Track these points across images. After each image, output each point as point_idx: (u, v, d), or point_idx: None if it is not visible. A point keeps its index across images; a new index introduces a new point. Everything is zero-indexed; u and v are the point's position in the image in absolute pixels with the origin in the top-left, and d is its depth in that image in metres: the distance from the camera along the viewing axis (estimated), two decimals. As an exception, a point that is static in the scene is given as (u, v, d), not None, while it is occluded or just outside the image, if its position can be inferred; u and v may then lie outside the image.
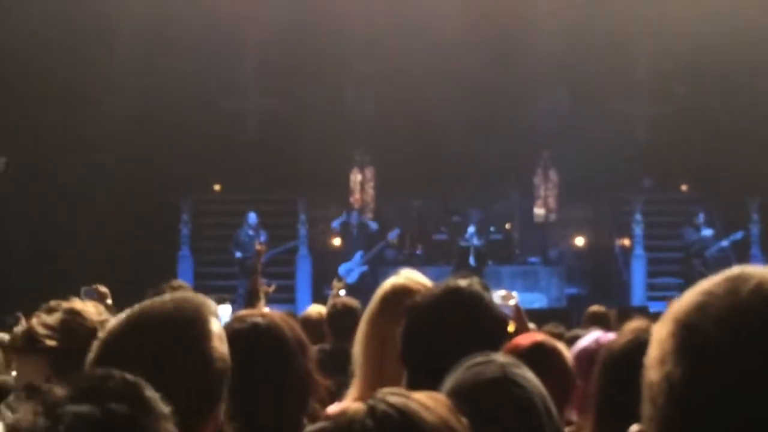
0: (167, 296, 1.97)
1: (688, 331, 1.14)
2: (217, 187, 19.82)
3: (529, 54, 18.42)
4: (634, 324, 2.66)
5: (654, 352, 1.18)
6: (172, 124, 17.79)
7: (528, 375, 2.13)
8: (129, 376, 1.39)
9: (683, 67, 18.40)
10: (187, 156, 17.93)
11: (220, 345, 1.90)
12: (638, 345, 2.46)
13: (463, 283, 2.68)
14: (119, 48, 16.83)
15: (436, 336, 2.56)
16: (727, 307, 1.12)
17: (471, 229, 17.47)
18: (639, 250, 18.26)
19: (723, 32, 16.75)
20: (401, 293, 3.02)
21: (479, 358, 2.16)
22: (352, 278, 17.41)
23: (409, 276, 3.22)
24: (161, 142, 17.70)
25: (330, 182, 18.99)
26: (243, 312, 2.83)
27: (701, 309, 1.14)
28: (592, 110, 19.01)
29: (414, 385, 2.45)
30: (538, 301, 16.89)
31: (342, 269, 17.60)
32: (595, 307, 7.99)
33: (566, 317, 12.03)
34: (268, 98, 19.76)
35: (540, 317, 8.88)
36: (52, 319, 2.52)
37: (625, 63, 18.86)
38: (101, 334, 1.91)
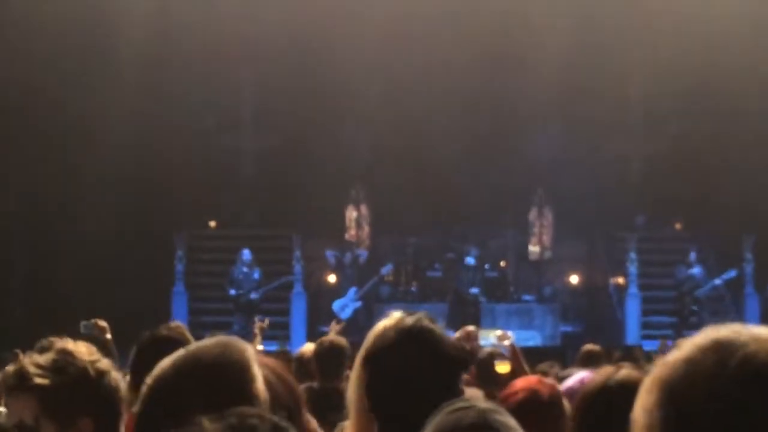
0: (212, 341, 2.01)
1: (676, 402, 1.16)
2: (212, 224, 19.82)
3: (524, 93, 18.54)
4: (604, 370, 2.69)
5: (641, 419, 1.20)
6: (168, 160, 17.83)
7: (509, 422, 2.10)
8: (279, 420, 1.42)
9: (677, 106, 18.52)
10: (182, 192, 17.96)
11: (263, 388, 1.94)
12: (606, 390, 2.49)
13: (410, 320, 2.63)
14: (117, 85, 16.89)
15: (399, 381, 2.53)
16: (715, 379, 1.15)
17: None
18: (633, 289, 18.27)
19: (716, 72, 16.89)
20: None
21: (460, 403, 2.13)
22: (346, 314, 17.41)
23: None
24: (157, 178, 17.74)
25: (326, 219, 19.01)
26: None
27: (689, 380, 1.16)
28: (586, 148, 19.12)
29: None
30: (532, 338, 16.88)
31: (336, 305, 17.60)
32: (589, 346, 7.99)
33: (561, 355, 12.04)
34: (264, 135, 19.81)
35: (535, 355, 8.89)
36: (44, 358, 2.54)
37: (620, 101, 18.97)
38: (149, 378, 1.94)
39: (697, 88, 17.46)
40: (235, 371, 1.91)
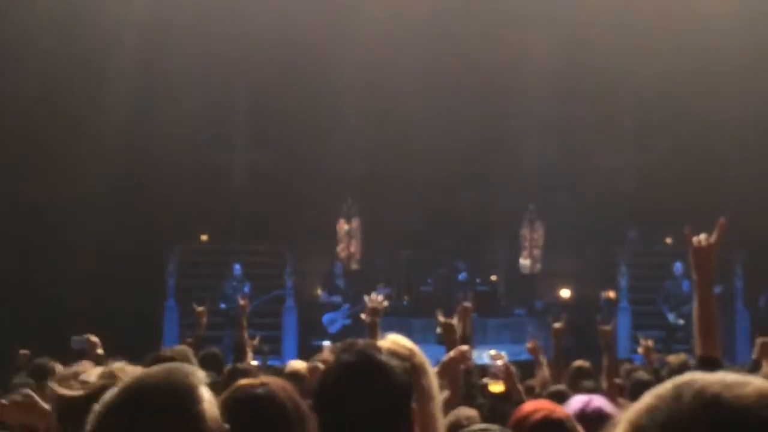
0: (159, 367, 2.06)
1: None
2: (204, 238, 19.79)
3: (516, 107, 18.61)
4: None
5: None
6: (160, 174, 17.82)
7: None
8: None
9: (668, 119, 18.55)
10: (174, 206, 17.93)
11: (212, 409, 1.97)
12: None
13: (352, 355, 2.56)
14: (108, 98, 16.90)
15: (350, 421, 2.49)
16: (670, 411, 1.22)
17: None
18: (624, 303, 18.29)
19: (708, 84, 16.94)
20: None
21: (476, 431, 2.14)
22: (334, 328, 17.43)
23: (395, 340, 3.22)
24: (149, 192, 17.71)
25: (317, 233, 19.01)
26: (243, 382, 2.80)
27: (649, 412, 1.24)
28: (578, 162, 19.17)
29: None
30: (524, 353, 16.85)
31: (326, 318, 17.60)
32: (579, 362, 8.01)
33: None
34: (256, 149, 19.83)
35: (526, 369, 8.92)
36: None
37: (611, 115, 19.02)
38: (97, 405, 1.98)
39: (689, 101, 17.50)
40: (179, 395, 1.95)
